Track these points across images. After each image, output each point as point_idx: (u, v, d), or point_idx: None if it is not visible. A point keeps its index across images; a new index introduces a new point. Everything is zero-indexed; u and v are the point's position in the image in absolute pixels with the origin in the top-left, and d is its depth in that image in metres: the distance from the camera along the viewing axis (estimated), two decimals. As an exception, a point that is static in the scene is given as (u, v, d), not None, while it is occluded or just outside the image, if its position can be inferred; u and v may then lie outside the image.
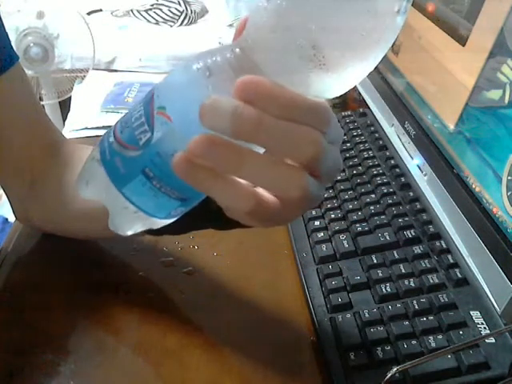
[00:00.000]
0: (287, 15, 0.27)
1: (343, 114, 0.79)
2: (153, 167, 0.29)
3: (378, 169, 0.64)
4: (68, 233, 0.58)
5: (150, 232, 0.49)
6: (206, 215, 0.43)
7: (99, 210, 0.51)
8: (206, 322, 0.51)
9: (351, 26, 0.27)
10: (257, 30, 0.28)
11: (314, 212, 0.60)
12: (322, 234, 0.57)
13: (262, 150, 0.28)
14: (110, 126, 0.33)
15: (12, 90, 0.54)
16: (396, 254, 0.52)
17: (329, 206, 0.61)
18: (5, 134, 0.54)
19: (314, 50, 0.27)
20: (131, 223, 0.34)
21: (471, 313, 0.46)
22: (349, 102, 0.90)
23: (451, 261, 0.50)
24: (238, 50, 0.28)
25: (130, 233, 0.35)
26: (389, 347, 0.44)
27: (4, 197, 0.60)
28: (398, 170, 0.64)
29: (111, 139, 0.31)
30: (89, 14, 1.79)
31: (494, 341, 0.43)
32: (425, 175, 0.61)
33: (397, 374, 0.40)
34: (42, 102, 1.72)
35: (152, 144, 0.29)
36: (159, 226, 0.35)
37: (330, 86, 0.29)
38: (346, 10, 0.27)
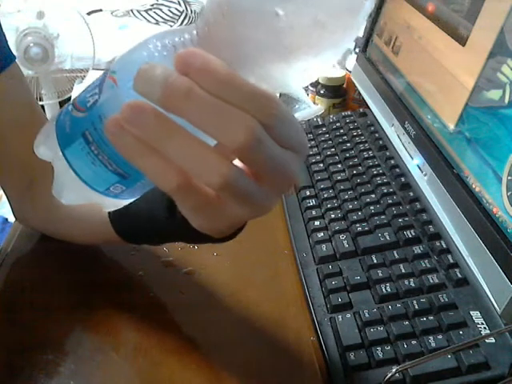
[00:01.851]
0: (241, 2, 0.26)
1: (343, 114, 0.79)
2: (92, 131, 0.29)
3: (378, 169, 0.64)
4: (66, 235, 0.58)
5: (131, 241, 0.50)
6: (173, 226, 0.42)
7: (97, 211, 0.51)
8: (206, 322, 0.51)
9: (311, 16, 0.26)
10: (210, 12, 0.28)
11: (314, 212, 0.61)
12: (322, 234, 0.57)
13: (213, 143, 0.27)
14: None
15: (10, 89, 0.54)
16: (396, 254, 0.52)
17: (329, 206, 0.61)
18: (3, 133, 0.54)
19: (267, 36, 0.26)
20: (72, 192, 0.33)
21: (471, 313, 0.46)
22: (349, 102, 0.90)
23: (451, 261, 0.50)
24: (194, 31, 0.29)
25: (71, 202, 0.34)
26: (389, 347, 0.44)
27: (4, 197, 0.60)
28: (397, 169, 0.64)
29: (71, 102, 0.31)
30: (89, 14, 1.80)
31: (493, 341, 0.43)
32: (425, 175, 0.61)
33: (397, 374, 0.40)
34: (41, 102, 1.72)
35: (96, 107, 0.29)
36: (110, 209, 0.34)
37: (287, 77, 0.28)
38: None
